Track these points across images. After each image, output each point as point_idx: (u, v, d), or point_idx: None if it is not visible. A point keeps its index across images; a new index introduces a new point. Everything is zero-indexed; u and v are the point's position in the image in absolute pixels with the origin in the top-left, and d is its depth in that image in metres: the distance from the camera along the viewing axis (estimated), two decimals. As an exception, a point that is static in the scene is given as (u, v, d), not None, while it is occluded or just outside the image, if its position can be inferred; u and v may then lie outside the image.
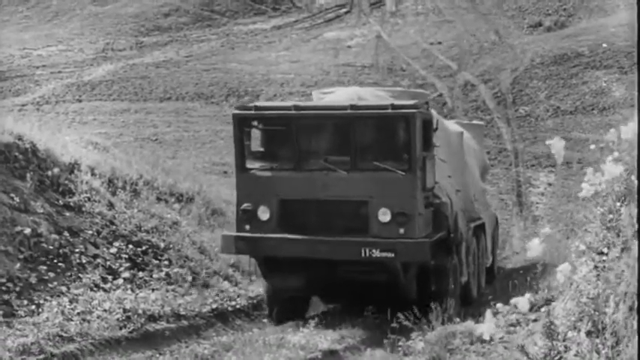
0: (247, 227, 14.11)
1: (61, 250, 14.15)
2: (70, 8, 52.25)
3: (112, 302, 13.33)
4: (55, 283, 13.38)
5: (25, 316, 12.25)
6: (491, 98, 35.81)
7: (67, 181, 16.02)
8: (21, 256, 13.38)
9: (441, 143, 15.39)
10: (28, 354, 11.21)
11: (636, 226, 5.56)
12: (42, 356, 11.31)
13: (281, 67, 41.12)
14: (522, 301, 4.64)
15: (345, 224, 13.78)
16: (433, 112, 15.44)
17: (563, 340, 6.84)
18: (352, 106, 13.94)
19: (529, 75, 37.34)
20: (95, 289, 13.75)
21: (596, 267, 6.87)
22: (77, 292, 13.37)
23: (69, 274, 13.81)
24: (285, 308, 15.19)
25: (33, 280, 13.11)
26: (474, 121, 24.49)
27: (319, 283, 14.51)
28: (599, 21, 42.32)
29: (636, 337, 4.93)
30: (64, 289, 13.36)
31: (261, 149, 14.61)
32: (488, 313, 4.58)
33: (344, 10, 50.96)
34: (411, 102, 14.29)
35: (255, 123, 14.53)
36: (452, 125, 18.45)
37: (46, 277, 13.38)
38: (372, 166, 13.77)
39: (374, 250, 13.35)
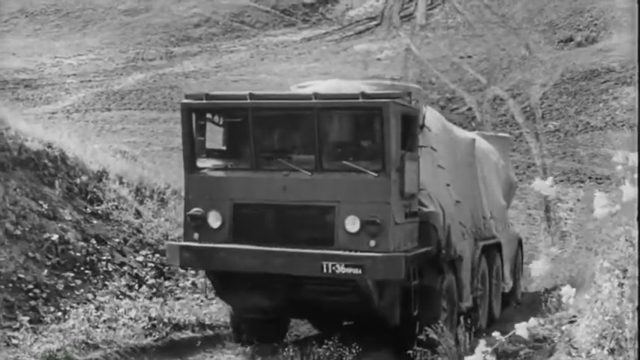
0: (196, 236, 12.17)
1: (88, 258, 14.25)
2: (101, 18, 52.61)
3: (137, 310, 13.39)
4: (82, 290, 13.48)
5: (52, 322, 12.34)
6: (520, 113, 35.67)
7: (95, 189, 16.15)
8: (48, 263, 13.49)
9: (440, 147, 13.86)
10: (53, 361, 11.29)
11: None
12: (67, 363, 11.39)
13: (310, 79, 41.14)
14: (521, 328, 4.55)
15: (307, 234, 11.79)
16: (426, 107, 13.80)
17: (586, 358, 6.78)
18: (316, 95, 11.91)
19: (559, 90, 37.17)
20: (121, 296, 13.83)
21: (620, 284, 6.83)
22: (103, 300, 13.45)
23: (95, 281, 13.91)
24: (256, 328, 13.36)
25: (60, 286, 13.21)
26: (500, 134, 23.76)
27: (283, 304, 12.53)
28: (631, 36, 42.08)
29: None
30: (90, 296, 13.45)
31: (215, 146, 12.77)
32: (481, 343, 4.51)
33: (374, 22, 50.99)
34: (386, 91, 12.44)
35: (207, 115, 12.65)
36: (461, 132, 16.77)
37: (73, 285, 13.48)
38: (340, 166, 11.77)
39: (337, 266, 11.27)
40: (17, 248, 13.21)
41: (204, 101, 12.36)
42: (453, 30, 48.60)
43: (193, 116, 12.37)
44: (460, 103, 37.28)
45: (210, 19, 52.58)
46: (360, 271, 11.21)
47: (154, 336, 12.97)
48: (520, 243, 18.96)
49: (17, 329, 11.73)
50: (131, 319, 13.13)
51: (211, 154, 12.62)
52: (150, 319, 13.26)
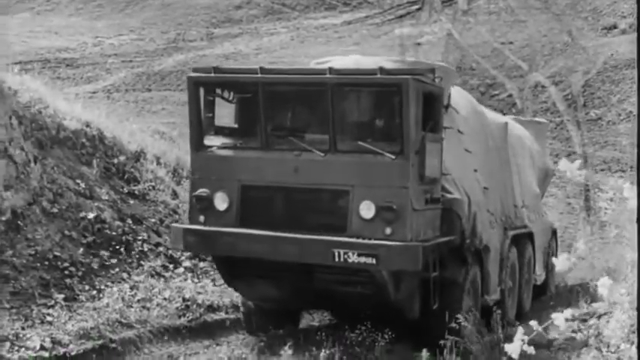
0: (201, 218, 11.40)
1: (123, 237, 14.30)
2: (143, -2, 52.78)
3: (171, 291, 13.44)
4: (117, 269, 13.54)
5: (86, 301, 12.41)
6: (561, 100, 35.30)
7: (132, 169, 16.19)
8: (84, 242, 13.55)
9: (468, 130, 13.03)
10: (87, 338, 11.36)
11: None
12: (101, 341, 11.45)
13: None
14: (559, 318, 4.41)
15: (319, 219, 11.02)
16: (452, 87, 12.93)
17: (614, 353, 6.61)
18: (331, 70, 11.05)
19: (601, 78, 36.71)
20: (156, 277, 13.87)
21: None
22: (138, 280, 13.51)
23: (130, 261, 13.95)
24: (266, 317, 12.86)
25: (95, 265, 13.28)
26: (536, 119, 22.90)
27: (293, 294, 11.85)
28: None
29: None
30: (125, 275, 13.51)
31: (225, 123, 12.10)
32: (519, 330, 4.39)
33: (415, 7, 50.66)
34: (407, 67, 11.66)
35: (216, 90, 11.82)
36: (493, 115, 15.90)
37: (108, 264, 13.54)
38: (356, 147, 10.92)
39: (350, 254, 10.53)
40: (54, 226, 13.27)
41: (212, 75, 11.55)
42: (495, 15, 48.17)
43: (201, 91, 11.61)
44: (501, 89, 36.97)
45: (252, 1, 52.53)
46: (373, 261, 10.47)
47: (188, 317, 13.01)
48: (554, 233, 18.27)
49: (52, 307, 11.81)
50: (165, 299, 13.18)
51: (220, 131, 11.90)
52: (184, 299, 13.31)
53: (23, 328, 11.00)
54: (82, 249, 13.31)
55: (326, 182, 10.97)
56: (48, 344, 10.78)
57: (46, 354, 10.60)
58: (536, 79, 37.84)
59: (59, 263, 12.76)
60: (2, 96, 13.32)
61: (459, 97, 13.40)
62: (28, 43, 42.31)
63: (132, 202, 15.39)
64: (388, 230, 10.59)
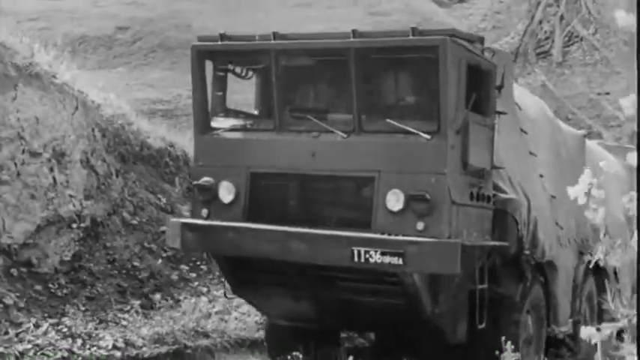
0: (204, 212, 9.63)
1: (204, 254, 14.05)
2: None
3: (250, 307, 13.09)
4: (196, 283, 13.30)
5: (163, 309, 12.17)
6: (659, 147, 34.31)
7: (215, 191, 16.03)
8: (164, 255, 13.36)
9: (534, 132, 11.44)
10: (161, 343, 11.09)
11: None
12: (175, 347, 11.16)
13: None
14: None
15: (339, 212, 9.17)
16: (519, 86, 11.03)
17: None
18: (355, 33, 9.05)
19: (702, 125, 35.63)
20: (236, 294, 13.58)
21: None
22: (217, 295, 13.21)
23: (210, 276, 13.69)
24: (289, 338, 10.84)
25: (174, 277, 13.09)
26: (626, 145, 21.75)
27: (315, 308, 9.83)
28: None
29: None
30: (204, 289, 13.24)
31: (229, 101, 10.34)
32: None
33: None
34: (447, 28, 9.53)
35: (226, 61, 10.07)
36: (568, 127, 14.17)
37: (187, 277, 13.32)
38: (384, 127, 9.02)
39: (372, 253, 8.53)
40: (133, 237, 13.14)
41: (218, 43, 9.75)
42: (591, 67, 47.45)
43: (207, 64, 9.93)
44: (597, 138, 36.13)
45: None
46: (400, 261, 8.45)
47: (267, 330, 12.62)
48: None
49: (127, 312, 11.61)
50: (243, 313, 12.84)
51: (231, 113, 10.28)
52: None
53: (96, 329, 10.80)
54: (160, 261, 13.13)
55: (348, 168, 9.12)
56: (121, 344, 10.54)
57: (119, 354, 10.34)
58: (634, 128, 36.88)
59: (137, 273, 12.60)
60: (85, 108, 13.33)
61: (525, 97, 12.15)
62: (123, 97, 43.13)
63: (214, 222, 15.21)
64: (420, 225, 8.64)
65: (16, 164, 11.50)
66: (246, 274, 9.87)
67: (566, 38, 51.32)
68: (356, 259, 8.58)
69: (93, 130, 13.34)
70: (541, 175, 11.46)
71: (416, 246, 8.44)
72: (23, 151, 11.69)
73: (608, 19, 49.86)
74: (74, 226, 12.18)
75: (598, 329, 3.81)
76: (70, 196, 12.31)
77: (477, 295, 9.40)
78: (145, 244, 13.20)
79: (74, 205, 12.32)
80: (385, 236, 8.64)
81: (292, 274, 9.44)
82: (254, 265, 9.64)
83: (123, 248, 12.72)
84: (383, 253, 8.49)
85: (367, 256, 8.53)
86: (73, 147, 12.66)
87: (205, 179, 9.62)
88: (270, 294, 9.98)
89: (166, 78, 49.72)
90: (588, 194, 3.83)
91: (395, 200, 8.73)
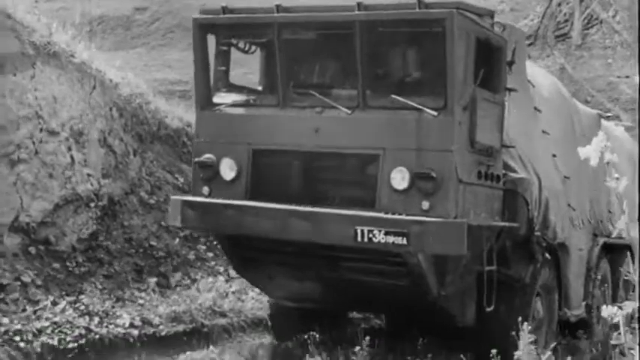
0: (205, 190, 9.48)
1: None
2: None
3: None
4: (213, 262, 13.34)
5: (180, 288, 12.20)
6: (679, 130, 34.09)
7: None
8: (181, 234, 13.38)
9: (547, 111, 11.15)
10: (178, 322, 11.12)
11: None
12: (192, 325, 11.18)
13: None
14: None
15: (343, 191, 8.96)
16: (533, 64, 11.25)
17: None
18: (360, 5, 8.80)
19: None
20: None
21: None
22: (234, 275, 13.22)
23: (228, 256, 13.71)
24: (296, 317, 10.94)
25: (191, 256, 13.10)
26: None
27: (320, 289, 9.74)
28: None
29: None
30: (221, 269, 13.27)
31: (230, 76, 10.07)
32: None
33: (528, 41, 49.99)
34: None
35: (229, 34, 9.83)
36: (583, 106, 13.91)
37: (204, 257, 13.35)
38: (390, 102, 8.75)
39: (375, 232, 8.31)
40: (150, 217, 13.16)
41: (220, 16, 9.55)
42: (611, 50, 47.12)
43: (209, 37, 9.70)
44: (616, 120, 35.98)
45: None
46: (404, 241, 8.21)
47: (283, 310, 12.63)
48: None
49: (144, 290, 11.64)
50: (259, 293, 12.83)
51: (234, 88, 10.05)
52: (279, 294, 12.96)
53: (113, 307, 10.84)
54: (178, 240, 13.15)
55: (351, 145, 8.84)
56: (138, 322, 10.58)
57: (136, 332, 10.38)
58: (649, 110, 36.70)
59: (154, 252, 12.64)
60: (103, 87, 13.33)
61: (539, 75, 11.87)
62: (142, 76, 43.14)
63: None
64: (425, 204, 8.38)
65: (34, 143, 11.51)
66: (247, 254, 9.71)
67: (586, 21, 50.96)
68: (359, 238, 8.36)
69: (110, 109, 13.34)
70: (554, 155, 11.23)
71: (420, 226, 8.20)
72: (41, 130, 11.69)
73: (628, 2, 49.47)
74: (92, 204, 12.21)
75: (620, 307, 3.76)
76: (88, 174, 12.33)
77: (484, 275, 9.16)
78: (162, 224, 13.20)
79: (92, 184, 12.35)
80: (389, 215, 8.40)
81: (294, 254, 9.23)
82: (255, 244, 9.43)
83: (140, 227, 12.75)
84: (387, 233, 8.27)
85: (370, 235, 8.32)
86: (91, 126, 12.68)
87: (207, 156, 9.45)
88: (272, 274, 9.82)
89: (184, 59, 49.63)
90: (602, 159, 3.76)
91: (400, 178, 8.50)
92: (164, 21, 55.23)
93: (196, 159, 9.57)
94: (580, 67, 44.71)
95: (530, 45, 49.35)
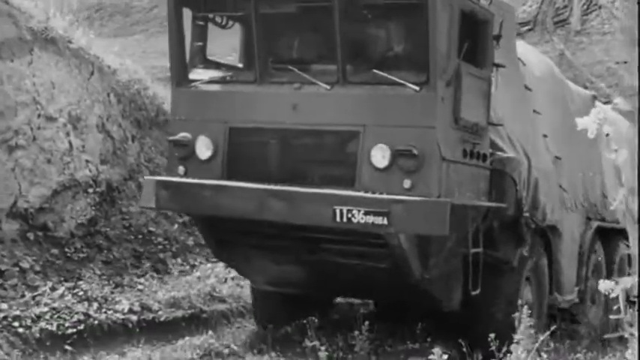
0: (181, 170, 9.13)
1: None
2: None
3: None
4: (212, 248, 13.30)
5: (179, 274, 12.21)
6: (678, 116, 34.08)
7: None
8: (180, 220, 13.37)
9: (538, 90, 10.87)
10: (177, 307, 11.11)
11: None
12: (191, 311, 11.18)
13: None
14: None
15: (322, 170, 8.58)
16: (524, 43, 10.95)
17: None
18: None
19: None
20: (252, 260, 13.61)
21: None
22: (233, 261, 13.25)
23: (227, 242, 13.71)
24: (278, 302, 10.65)
25: (190, 242, 13.09)
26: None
27: (299, 272, 9.36)
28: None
29: None
30: (220, 255, 13.25)
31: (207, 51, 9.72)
32: None
33: (526, 27, 49.87)
34: None
35: (205, 8, 9.44)
36: (577, 87, 13.59)
37: (203, 243, 13.27)
38: (371, 78, 8.45)
39: (355, 212, 7.98)
40: (149, 203, 13.12)
41: None
42: (610, 35, 47.03)
43: (185, 12, 9.36)
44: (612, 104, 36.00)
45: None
46: (384, 221, 7.88)
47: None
48: None
49: (143, 276, 11.65)
50: (259, 279, 12.87)
51: (212, 64, 9.71)
52: (279, 280, 12.96)
53: (112, 293, 10.83)
54: (176, 226, 13.14)
55: (331, 122, 8.51)
56: (137, 308, 10.57)
57: (134, 317, 10.38)
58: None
59: (153, 238, 12.64)
60: (101, 73, 13.29)
61: (531, 53, 11.63)
62: (140, 63, 43.07)
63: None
64: (407, 183, 8.07)
65: (32, 129, 11.49)
66: (224, 236, 9.38)
67: (585, 6, 50.87)
68: (338, 218, 8.06)
69: (109, 95, 13.31)
70: (545, 135, 10.94)
71: (401, 205, 7.90)
72: (39, 116, 11.66)
73: (627, -13, 49.44)
74: (90, 190, 12.19)
75: (616, 282, 3.76)
76: (86, 160, 12.31)
77: (470, 258, 8.90)
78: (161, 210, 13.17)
79: (90, 170, 12.33)
80: (369, 194, 8.11)
81: (272, 236, 8.91)
82: (232, 226, 9.10)
83: (139, 213, 12.72)
84: (366, 213, 7.96)
85: (350, 215, 8.01)
86: (89, 112, 12.65)
87: (182, 134, 9.13)
88: (249, 256, 9.52)
89: (182, 46, 49.68)
90: (600, 131, 3.77)
91: (380, 156, 8.20)
92: (163, 8, 55.03)
93: (171, 137, 9.26)
94: (579, 52, 44.64)
95: (529, 31, 49.28)
